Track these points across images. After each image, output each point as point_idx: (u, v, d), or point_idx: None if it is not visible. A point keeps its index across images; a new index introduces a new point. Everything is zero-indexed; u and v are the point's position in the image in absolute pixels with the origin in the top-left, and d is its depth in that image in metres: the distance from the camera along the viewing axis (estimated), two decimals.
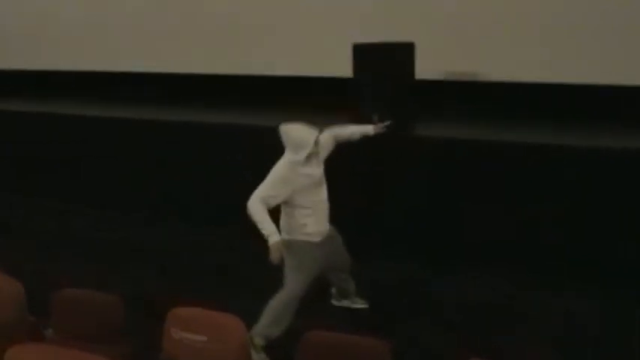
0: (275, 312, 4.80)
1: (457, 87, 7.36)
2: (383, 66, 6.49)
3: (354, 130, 5.43)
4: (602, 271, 5.70)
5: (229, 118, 7.98)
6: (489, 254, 6.18)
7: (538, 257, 6.01)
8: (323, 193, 4.98)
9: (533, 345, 4.66)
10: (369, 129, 5.50)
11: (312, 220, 4.89)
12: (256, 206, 4.66)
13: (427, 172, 6.51)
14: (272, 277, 4.86)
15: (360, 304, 5.59)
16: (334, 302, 5.62)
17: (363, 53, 6.60)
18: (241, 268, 6.38)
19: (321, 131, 4.98)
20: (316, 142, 4.84)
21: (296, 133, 4.84)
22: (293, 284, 4.84)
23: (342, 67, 6.74)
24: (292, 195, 4.81)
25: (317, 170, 4.93)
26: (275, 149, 5.43)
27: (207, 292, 3.68)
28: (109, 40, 9.98)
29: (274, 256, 4.61)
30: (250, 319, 4.46)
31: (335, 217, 5.11)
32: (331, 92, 7.55)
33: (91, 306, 3.64)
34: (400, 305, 5.66)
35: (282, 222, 4.93)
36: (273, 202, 4.74)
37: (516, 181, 6.13)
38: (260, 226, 4.65)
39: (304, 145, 4.77)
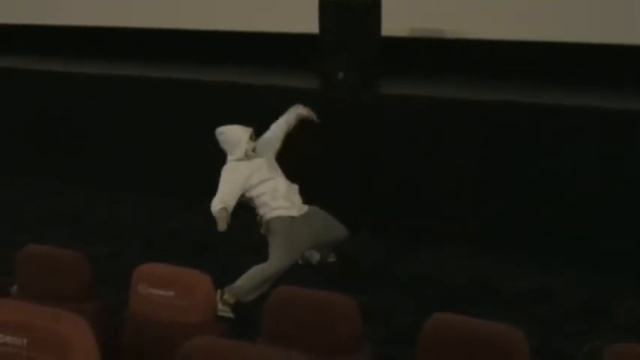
0: (253, 281, 4.86)
1: (424, 45, 7.22)
2: (349, 23, 6.34)
3: (285, 120, 5.52)
4: (595, 245, 5.56)
5: (193, 75, 7.73)
6: (460, 217, 6.09)
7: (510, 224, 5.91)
8: (278, 176, 5.16)
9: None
10: (291, 116, 5.54)
11: (278, 200, 5.05)
12: (216, 207, 4.84)
13: (393, 131, 6.35)
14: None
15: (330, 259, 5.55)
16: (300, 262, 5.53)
17: (329, 10, 6.44)
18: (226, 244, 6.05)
19: (252, 134, 5.20)
20: (251, 137, 5.14)
21: (230, 134, 5.16)
22: (275, 260, 4.93)
23: (308, 23, 6.58)
24: (249, 189, 5.04)
25: (261, 160, 5.15)
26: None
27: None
28: None
29: (220, 224, 4.75)
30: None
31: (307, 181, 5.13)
32: (297, 49, 7.43)
33: (56, 263, 3.51)
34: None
35: (257, 218, 5.13)
36: (232, 201, 4.91)
37: (492, 140, 5.97)
38: (214, 211, 4.84)
39: (239, 142, 5.09)
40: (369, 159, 6.42)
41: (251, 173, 5.05)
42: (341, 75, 6.33)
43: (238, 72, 7.61)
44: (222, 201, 4.86)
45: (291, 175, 5.28)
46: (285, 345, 3.01)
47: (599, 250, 5.53)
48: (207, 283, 3.27)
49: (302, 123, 5.56)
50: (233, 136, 5.15)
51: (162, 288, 3.26)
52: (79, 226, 6.79)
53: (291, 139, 5.50)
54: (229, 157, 5.15)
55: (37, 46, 9.69)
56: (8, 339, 2.23)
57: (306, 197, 5.23)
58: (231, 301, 4.82)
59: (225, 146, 5.19)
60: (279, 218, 5.01)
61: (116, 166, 7.82)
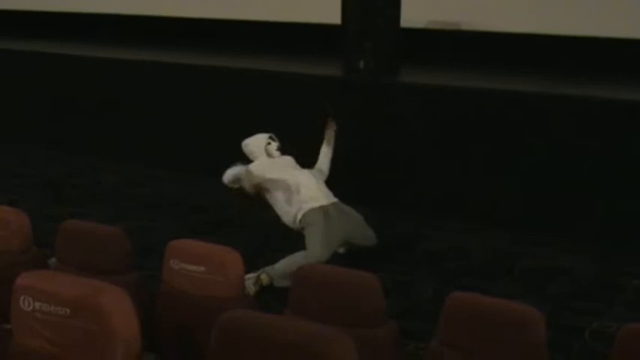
0: (289, 268, 4.64)
1: (442, 36, 7.19)
2: (370, 14, 6.33)
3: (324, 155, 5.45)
4: (598, 225, 5.53)
5: (215, 62, 7.71)
6: (471, 204, 6.04)
7: (524, 209, 5.86)
8: (302, 174, 5.12)
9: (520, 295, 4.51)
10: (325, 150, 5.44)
11: (303, 195, 4.98)
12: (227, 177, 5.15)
13: (413, 119, 6.29)
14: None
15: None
16: None
17: (350, 1, 6.42)
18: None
19: (271, 136, 5.30)
20: (271, 138, 5.26)
21: (252, 142, 5.29)
22: (312, 251, 4.81)
23: (330, 14, 6.57)
24: (275, 185, 5.03)
25: (287, 158, 5.26)
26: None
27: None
28: None
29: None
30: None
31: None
32: (320, 39, 7.42)
33: (95, 237, 3.53)
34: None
35: (286, 217, 5.04)
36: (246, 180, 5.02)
37: (502, 129, 5.91)
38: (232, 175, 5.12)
39: (260, 146, 5.24)
40: (386, 143, 6.39)
41: (271, 168, 5.08)
42: (362, 64, 6.32)
43: (262, 60, 7.60)
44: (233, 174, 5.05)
45: (309, 160, 5.28)
46: (310, 319, 3.03)
47: (613, 227, 5.48)
48: (237, 259, 3.27)
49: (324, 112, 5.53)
50: (254, 142, 5.27)
51: (193, 263, 3.26)
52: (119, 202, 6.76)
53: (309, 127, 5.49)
54: (256, 162, 5.21)
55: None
56: (52, 308, 2.25)
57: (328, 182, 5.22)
58: (265, 282, 4.73)
59: (251, 156, 5.27)
60: (312, 210, 4.91)
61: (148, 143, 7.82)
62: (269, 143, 5.24)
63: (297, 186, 5.00)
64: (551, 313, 4.28)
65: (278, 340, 2.03)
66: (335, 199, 5.08)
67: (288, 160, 5.27)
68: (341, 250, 5.22)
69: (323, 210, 4.93)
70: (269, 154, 5.22)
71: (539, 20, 6.60)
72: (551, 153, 5.70)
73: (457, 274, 5.09)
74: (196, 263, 3.26)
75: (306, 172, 5.18)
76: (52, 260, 3.74)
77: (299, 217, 4.95)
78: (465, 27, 7.04)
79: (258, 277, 4.71)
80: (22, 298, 2.28)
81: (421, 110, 6.21)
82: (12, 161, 8.10)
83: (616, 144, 5.49)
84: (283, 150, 5.31)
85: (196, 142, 7.37)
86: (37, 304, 2.26)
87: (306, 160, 5.29)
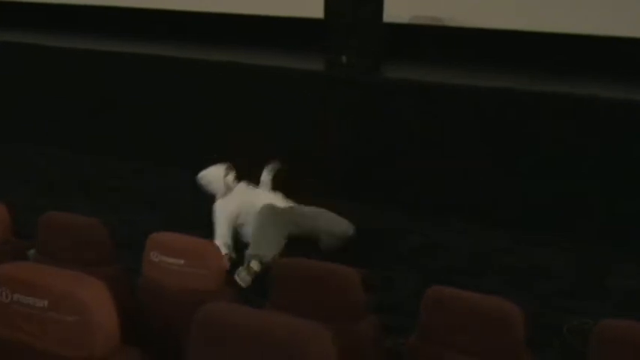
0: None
1: (425, 32, 7.18)
2: (353, 8, 6.31)
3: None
4: (598, 225, 5.54)
5: (197, 55, 7.65)
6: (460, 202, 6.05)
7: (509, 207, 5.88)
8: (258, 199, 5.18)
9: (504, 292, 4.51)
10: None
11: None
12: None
13: (396, 115, 6.29)
14: None
15: None
16: None
17: None
18: None
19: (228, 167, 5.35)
20: (228, 169, 5.32)
21: (207, 176, 5.37)
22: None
23: (314, 8, 6.54)
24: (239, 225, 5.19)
25: (240, 188, 5.37)
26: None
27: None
28: None
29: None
30: None
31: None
32: (303, 33, 7.39)
33: (74, 228, 3.50)
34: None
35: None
36: (229, 240, 5.09)
37: (491, 127, 5.91)
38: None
39: (218, 179, 5.30)
40: (371, 139, 6.38)
41: (239, 210, 5.17)
42: (344, 58, 6.31)
43: (243, 53, 7.56)
44: (221, 244, 4.94)
45: (293, 156, 5.28)
46: (291, 313, 3.02)
47: (597, 226, 5.51)
48: (218, 252, 3.26)
49: (307, 107, 5.52)
50: (210, 176, 5.35)
51: (173, 256, 3.24)
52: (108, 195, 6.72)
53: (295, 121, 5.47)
54: (217, 197, 5.30)
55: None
56: (30, 300, 2.21)
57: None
58: (257, 267, 4.75)
59: (209, 187, 5.35)
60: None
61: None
62: (227, 174, 5.31)
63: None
64: (537, 311, 4.33)
65: (257, 334, 2.02)
66: (292, 204, 5.25)
67: (243, 187, 5.37)
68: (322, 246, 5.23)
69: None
70: (227, 186, 5.29)
71: (526, 17, 6.60)
72: (540, 154, 5.72)
73: (441, 270, 5.11)
74: (176, 256, 3.24)
75: (259, 192, 5.36)
76: (32, 252, 3.71)
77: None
78: (449, 23, 7.04)
79: (247, 266, 4.72)
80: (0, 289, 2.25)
81: (404, 106, 6.20)
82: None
83: (616, 144, 5.50)
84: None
85: (175, 135, 7.32)
86: (16, 296, 2.22)
87: (286, 152, 5.29)
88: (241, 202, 5.22)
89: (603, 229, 5.49)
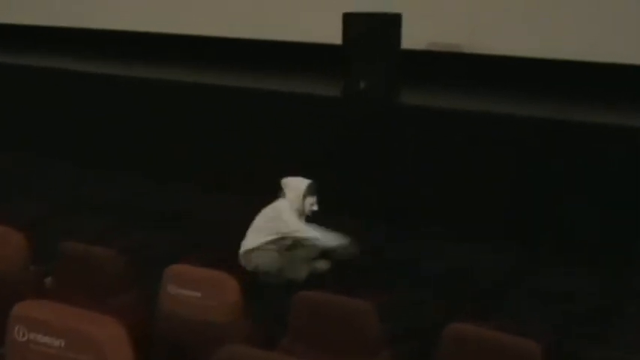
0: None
1: (444, 58, 7.16)
2: (371, 35, 6.30)
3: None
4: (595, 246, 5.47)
5: (216, 80, 7.64)
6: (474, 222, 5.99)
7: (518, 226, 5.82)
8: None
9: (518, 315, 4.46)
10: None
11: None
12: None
13: (413, 141, 6.24)
14: None
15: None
16: None
17: (353, 22, 6.40)
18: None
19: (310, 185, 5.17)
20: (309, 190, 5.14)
21: (288, 185, 5.18)
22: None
23: (333, 34, 6.53)
24: None
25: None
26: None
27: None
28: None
29: None
30: None
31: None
32: (322, 59, 7.39)
33: (91, 258, 3.50)
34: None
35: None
36: None
37: (504, 152, 5.88)
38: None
39: (293, 191, 5.16)
40: (388, 162, 6.34)
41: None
42: (363, 84, 6.29)
43: (262, 78, 7.57)
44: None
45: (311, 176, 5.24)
46: (308, 345, 3.01)
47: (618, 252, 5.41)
48: (234, 285, 3.24)
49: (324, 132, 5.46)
50: (291, 185, 5.20)
51: (190, 289, 3.23)
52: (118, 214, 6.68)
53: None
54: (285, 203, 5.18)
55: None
56: (47, 340, 2.20)
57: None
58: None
59: (283, 193, 5.21)
60: None
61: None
62: (306, 195, 5.15)
63: None
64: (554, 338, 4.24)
65: None
66: None
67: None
68: (324, 266, 5.21)
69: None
70: (299, 203, 5.15)
71: (540, 44, 6.57)
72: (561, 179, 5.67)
73: (461, 295, 4.90)
74: (193, 289, 3.22)
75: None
76: (49, 279, 3.72)
77: None
78: (466, 49, 7.01)
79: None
80: (16, 328, 2.24)
81: (421, 131, 6.17)
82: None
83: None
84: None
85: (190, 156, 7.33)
86: (32, 335, 2.21)
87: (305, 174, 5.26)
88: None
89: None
